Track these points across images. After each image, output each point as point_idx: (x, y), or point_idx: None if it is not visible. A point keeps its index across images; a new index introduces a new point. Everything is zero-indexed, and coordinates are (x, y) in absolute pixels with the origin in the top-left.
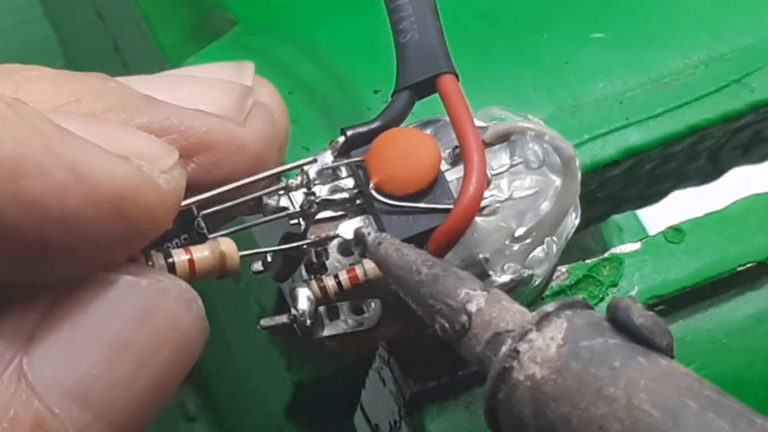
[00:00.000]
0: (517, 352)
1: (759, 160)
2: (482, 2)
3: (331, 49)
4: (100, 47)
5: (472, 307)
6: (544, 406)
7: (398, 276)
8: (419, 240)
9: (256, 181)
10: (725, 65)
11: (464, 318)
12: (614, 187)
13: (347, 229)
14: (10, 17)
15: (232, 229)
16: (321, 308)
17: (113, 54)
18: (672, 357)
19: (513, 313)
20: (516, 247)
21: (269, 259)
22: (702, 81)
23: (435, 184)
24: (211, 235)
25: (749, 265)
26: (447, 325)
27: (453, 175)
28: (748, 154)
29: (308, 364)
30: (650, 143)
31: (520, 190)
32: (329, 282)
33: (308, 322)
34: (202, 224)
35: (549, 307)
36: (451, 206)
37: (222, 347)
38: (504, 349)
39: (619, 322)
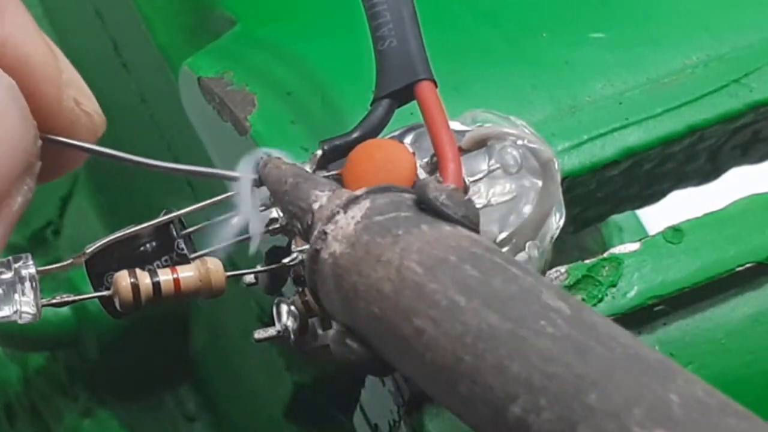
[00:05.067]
0: (325, 233)
1: (758, 159)
2: (482, 2)
3: (331, 48)
4: (100, 47)
5: (316, 205)
6: (341, 278)
7: (273, 190)
8: None
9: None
10: (724, 65)
11: (309, 215)
12: (613, 187)
13: None
14: None
15: (215, 247)
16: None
17: (113, 54)
18: (471, 228)
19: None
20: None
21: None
22: (701, 81)
23: None
24: (193, 254)
25: (748, 265)
26: (299, 225)
27: None
28: (747, 154)
29: (308, 364)
30: (649, 143)
31: (499, 195)
32: (311, 296)
33: (291, 337)
34: (182, 245)
35: (360, 191)
36: None
37: (222, 347)
38: (315, 232)
39: (419, 200)
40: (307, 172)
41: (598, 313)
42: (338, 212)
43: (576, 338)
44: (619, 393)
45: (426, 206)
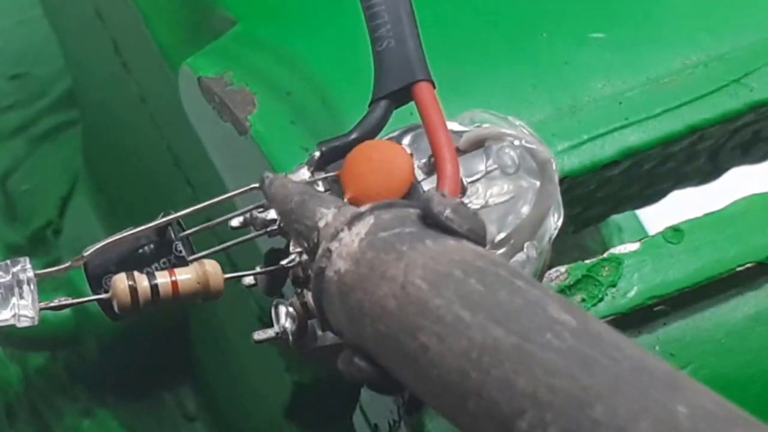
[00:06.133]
0: (330, 251)
1: (758, 159)
2: (482, 2)
3: (331, 48)
4: (100, 47)
5: (321, 223)
6: (346, 296)
7: (280, 210)
8: None
9: (230, 198)
10: (724, 65)
11: (314, 233)
12: (613, 187)
13: None
14: (10, 17)
15: (213, 249)
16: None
17: (113, 54)
18: (477, 241)
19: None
20: (496, 252)
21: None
22: (701, 81)
23: (409, 195)
24: (191, 257)
25: (748, 265)
26: (305, 244)
27: (429, 185)
28: (747, 154)
29: (308, 364)
30: (649, 143)
31: (497, 196)
32: (310, 298)
33: (290, 339)
34: (180, 247)
35: (364, 207)
36: None
37: (222, 347)
38: (320, 250)
39: (424, 214)
40: (313, 189)
41: (604, 324)
42: (342, 229)
43: (581, 351)
44: (625, 405)
45: (431, 221)
